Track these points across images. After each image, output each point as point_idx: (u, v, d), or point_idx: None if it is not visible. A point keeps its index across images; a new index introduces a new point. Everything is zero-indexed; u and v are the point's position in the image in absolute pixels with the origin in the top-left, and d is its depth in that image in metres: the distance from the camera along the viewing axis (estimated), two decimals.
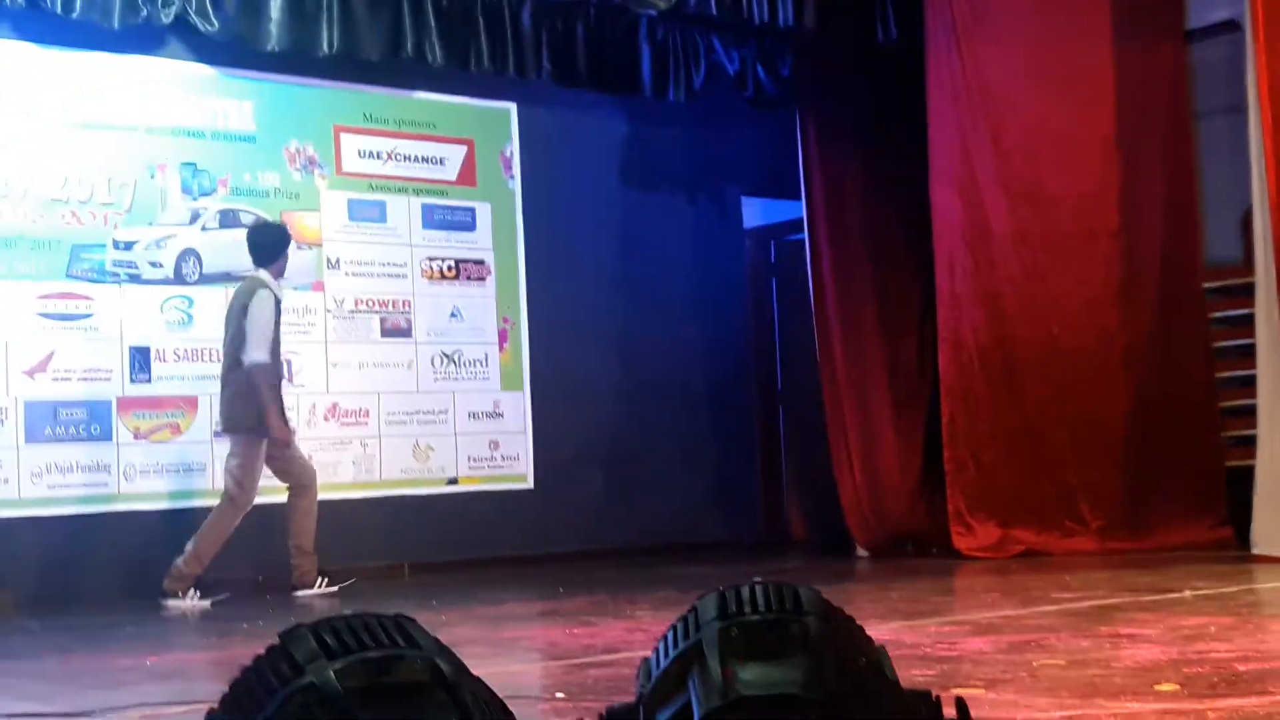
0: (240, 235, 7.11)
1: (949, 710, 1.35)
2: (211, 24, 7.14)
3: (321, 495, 7.05)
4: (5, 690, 3.97)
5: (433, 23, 7.78)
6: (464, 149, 8.45)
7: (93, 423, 7.14)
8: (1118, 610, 4.67)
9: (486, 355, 8.42)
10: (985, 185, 7.67)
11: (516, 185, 8.59)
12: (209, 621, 6.00)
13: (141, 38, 7.22)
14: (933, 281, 7.85)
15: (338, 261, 7.97)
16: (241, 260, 6.93)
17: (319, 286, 7.90)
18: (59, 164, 7.14)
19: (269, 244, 6.85)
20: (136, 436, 7.25)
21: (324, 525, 6.99)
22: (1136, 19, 7.67)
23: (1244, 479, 7.00)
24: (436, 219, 8.32)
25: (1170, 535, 7.36)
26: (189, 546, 6.56)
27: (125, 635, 5.42)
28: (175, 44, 7.46)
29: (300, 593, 6.75)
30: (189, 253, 7.48)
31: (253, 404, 6.60)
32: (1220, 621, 4.18)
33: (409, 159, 8.26)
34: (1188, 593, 5.13)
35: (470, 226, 8.45)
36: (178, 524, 6.94)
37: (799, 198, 8.67)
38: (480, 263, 8.45)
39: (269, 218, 7.49)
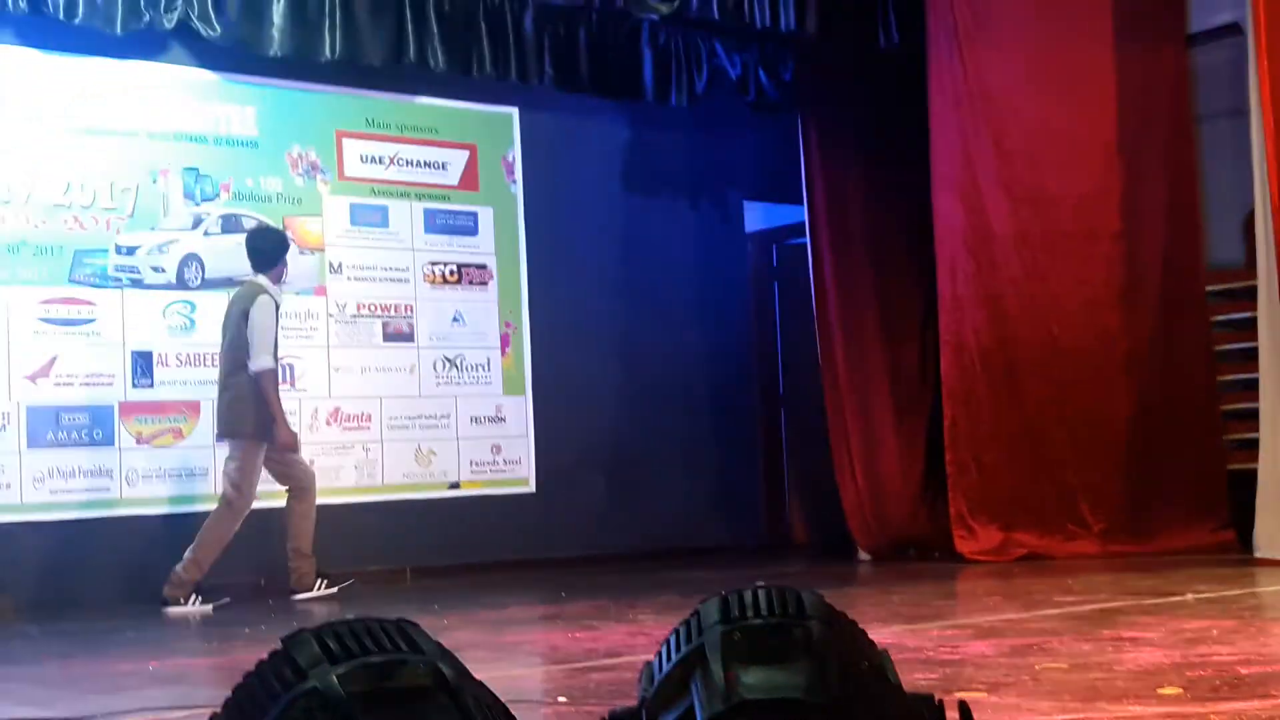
0: (243, 240, 7.12)
1: (952, 714, 1.35)
2: (214, 29, 7.15)
3: (324, 500, 7.05)
4: (6, 695, 3.97)
5: (435, 28, 7.79)
6: (466, 154, 8.46)
7: (95, 428, 7.14)
8: (1120, 614, 4.67)
9: (488, 360, 8.42)
10: (987, 189, 7.67)
11: (519, 190, 8.60)
12: (210, 626, 6.00)
13: (144, 43, 7.22)
14: (934, 286, 7.85)
15: (340, 266, 7.97)
16: (244, 265, 6.93)
17: (321, 291, 7.90)
18: (61, 169, 7.15)
19: (268, 249, 6.85)
20: (139, 441, 7.25)
21: (326, 530, 6.99)
22: (1138, 23, 7.68)
23: (1246, 482, 7.00)
24: (439, 224, 8.33)
25: (1172, 539, 7.35)
26: (188, 553, 6.56)
27: (126, 640, 5.41)
28: (177, 49, 7.47)
29: (299, 596, 6.75)
30: (191, 258, 7.49)
31: (252, 409, 6.60)
32: (1223, 625, 4.17)
33: (411, 164, 8.26)
34: (1190, 596, 5.13)
35: (472, 231, 8.45)
36: (180, 529, 6.94)
37: (801, 202, 8.68)
38: (482, 267, 8.46)
39: (271, 223, 7.50)
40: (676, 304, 9.17)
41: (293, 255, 7.21)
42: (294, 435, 6.81)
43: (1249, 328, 7.13)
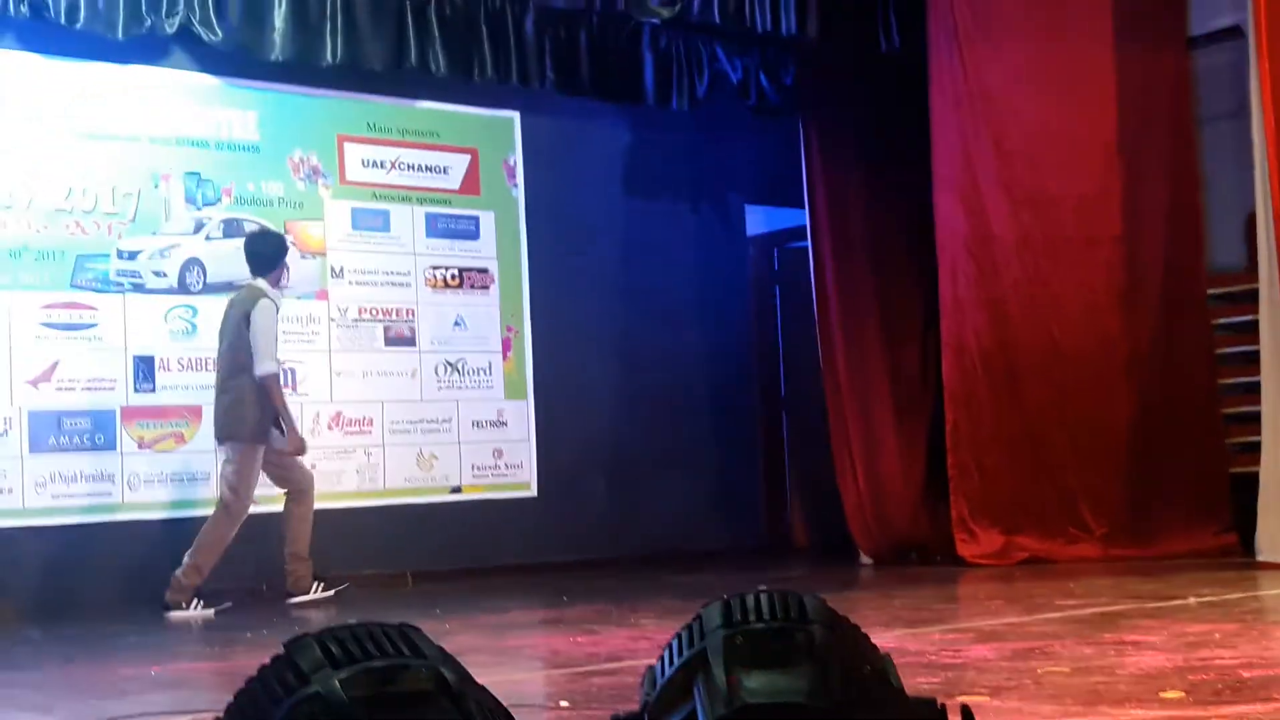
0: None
1: (954, 718, 1.35)
2: (215, 34, 7.15)
3: (325, 504, 7.05)
4: (8, 700, 3.97)
5: (436, 32, 7.79)
6: (467, 158, 8.46)
7: (96, 432, 7.14)
8: (1122, 617, 4.66)
9: (490, 364, 8.42)
10: (988, 191, 7.67)
11: (520, 194, 8.60)
12: (212, 631, 5.99)
13: (145, 48, 7.23)
14: (935, 289, 7.85)
15: (341, 270, 7.98)
16: (245, 270, 6.92)
17: (323, 295, 7.90)
18: (63, 174, 7.16)
19: (268, 253, 6.85)
20: (140, 446, 7.25)
21: (328, 533, 6.99)
22: (1138, 25, 7.67)
23: (1248, 486, 7.00)
24: (440, 228, 8.33)
25: (1174, 542, 7.34)
26: (187, 558, 6.55)
27: (128, 645, 5.41)
28: (179, 54, 7.47)
29: (295, 599, 6.74)
30: (193, 262, 7.49)
31: (251, 412, 6.60)
32: (1225, 628, 4.17)
33: (412, 168, 8.27)
34: (1192, 600, 5.13)
35: (474, 235, 8.46)
36: (182, 534, 6.93)
37: (802, 205, 8.68)
38: (484, 271, 8.46)
39: (272, 227, 7.50)
40: (678, 307, 9.17)
41: (292, 259, 7.21)
42: (303, 440, 6.84)
43: (1250, 331, 7.12)
